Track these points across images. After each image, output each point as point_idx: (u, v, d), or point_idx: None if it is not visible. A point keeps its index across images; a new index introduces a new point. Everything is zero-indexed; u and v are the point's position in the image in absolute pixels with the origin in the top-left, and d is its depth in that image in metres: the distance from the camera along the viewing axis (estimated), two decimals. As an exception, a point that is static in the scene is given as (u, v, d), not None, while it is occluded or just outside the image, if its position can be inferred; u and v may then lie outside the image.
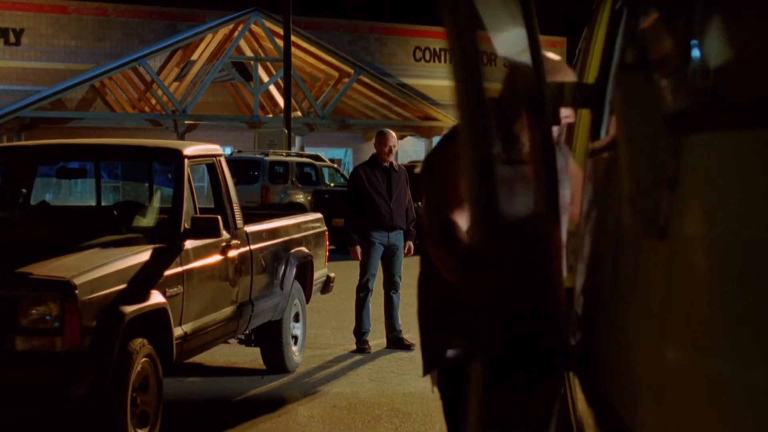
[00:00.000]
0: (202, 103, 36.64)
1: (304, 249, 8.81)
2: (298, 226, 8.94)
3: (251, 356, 8.87)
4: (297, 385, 8.19)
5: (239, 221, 7.56)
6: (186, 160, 7.00)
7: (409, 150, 41.07)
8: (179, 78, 37.79)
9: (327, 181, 24.57)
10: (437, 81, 44.02)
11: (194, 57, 37.47)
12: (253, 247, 7.73)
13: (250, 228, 7.83)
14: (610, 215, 2.15)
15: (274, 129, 32.70)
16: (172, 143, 7.75)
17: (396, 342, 9.73)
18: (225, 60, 36.26)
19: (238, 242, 7.46)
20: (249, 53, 38.31)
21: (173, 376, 7.77)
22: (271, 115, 38.12)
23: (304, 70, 38.79)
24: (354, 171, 9.94)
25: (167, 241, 6.51)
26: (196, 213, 6.93)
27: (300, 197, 23.09)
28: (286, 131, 30.47)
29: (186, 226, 6.66)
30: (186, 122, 35.83)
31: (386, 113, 40.27)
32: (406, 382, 8.24)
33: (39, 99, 34.15)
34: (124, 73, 35.84)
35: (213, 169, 7.54)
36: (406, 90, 40.65)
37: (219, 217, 6.78)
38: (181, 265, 6.49)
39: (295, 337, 8.79)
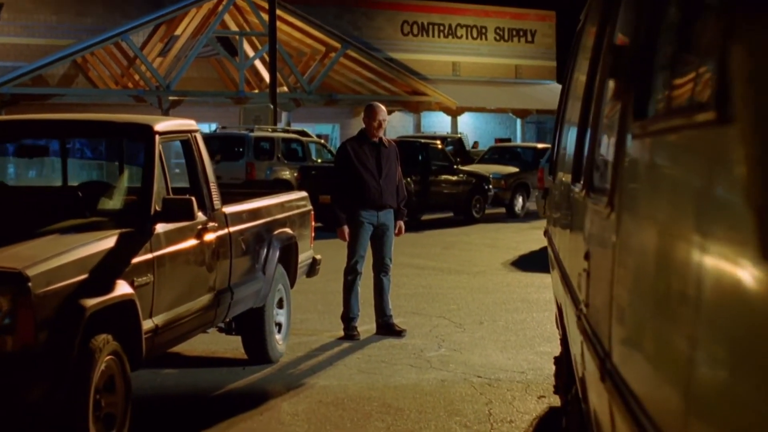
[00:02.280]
0: (186, 78, 36.01)
1: (288, 230, 8.23)
2: (281, 206, 8.35)
3: (232, 344, 8.30)
4: (281, 377, 7.63)
5: (216, 202, 6.99)
6: (157, 137, 6.42)
7: (398, 125, 40.52)
8: (163, 53, 37.11)
9: (314, 157, 24.06)
10: (425, 55, 43.42)
11: (178, 32, 36.78)
12: (231, 229, 7.16)
13: (229, 209, 7.26)
14: (691, 219, 1.61)
15: (260, 104, 32.17)
16: (142, 118, 7.12)
17: (386, 328, 9.18)
18: (209, 35, 35.60)
19: (215, 224, 6.89)
20: (234, 28, 37.67)
21: (147, 367, 7.22)
22: (257, 91, 37.50)
23: (290, 44, 38.12)
24: (341, 146, 9.34)
25: (135, 225, 5.93)
26: (168, 194, 6.35)
27: (286, 174, 22.60)
28: (272, 107, 29.94)
29: (156, 208, 6.08)
30: (170, 98, 35.25)
31: (374, 88, 39.66)
32: (397, 373, 7.69)
33: (19, 75, 33.55)
34: (106, 48, 35.21)
35: (188, 145, 6.96)
36: (393, 65, 40.06)
37: (193, 198, 6.18)
38: (151, 251, 5.92)
39: (279, 325, 8.21)
